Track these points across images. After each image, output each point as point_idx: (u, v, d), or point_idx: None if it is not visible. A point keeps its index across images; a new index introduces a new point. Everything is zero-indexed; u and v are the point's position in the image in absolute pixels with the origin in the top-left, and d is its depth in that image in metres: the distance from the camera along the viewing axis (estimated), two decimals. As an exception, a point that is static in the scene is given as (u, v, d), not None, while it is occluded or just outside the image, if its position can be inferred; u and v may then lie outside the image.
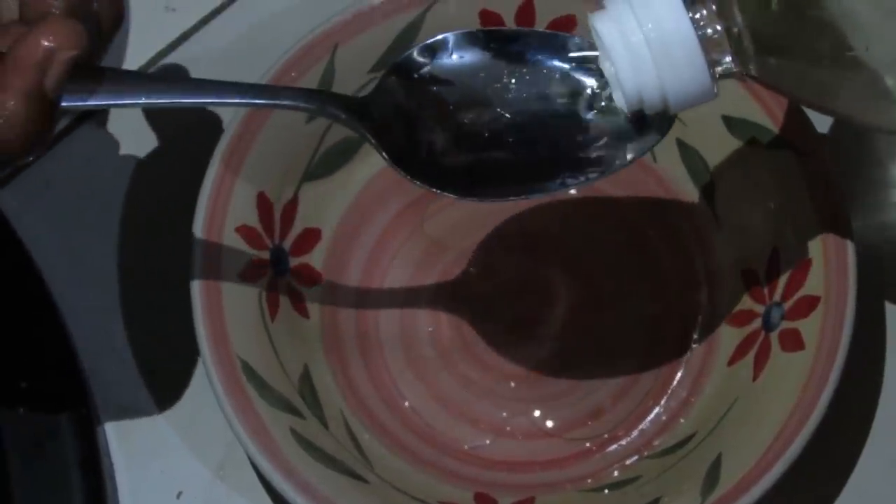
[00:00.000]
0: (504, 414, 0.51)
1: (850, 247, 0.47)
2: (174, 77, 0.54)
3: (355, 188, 0.53)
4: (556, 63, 0.43)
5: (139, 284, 0.53)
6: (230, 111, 0.51)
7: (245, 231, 0.49)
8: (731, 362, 0.50)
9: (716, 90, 0.39)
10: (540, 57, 0.43)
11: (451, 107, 0.43)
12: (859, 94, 0.38)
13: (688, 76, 0.38)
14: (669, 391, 0.51)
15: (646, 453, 0.49)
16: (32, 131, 0.38)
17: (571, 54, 0.42)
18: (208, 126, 0.53)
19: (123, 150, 0.55)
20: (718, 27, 0.38)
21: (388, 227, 0.53)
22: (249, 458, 0.47)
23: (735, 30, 0.38)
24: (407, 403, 0.51)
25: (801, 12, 0.37)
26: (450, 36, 0.43)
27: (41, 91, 0.38)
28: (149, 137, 0.54)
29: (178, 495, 0.51)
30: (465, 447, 0.50)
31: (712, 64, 0.39)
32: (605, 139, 0.42)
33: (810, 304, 0.47)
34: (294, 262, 0.51)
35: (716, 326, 0.51)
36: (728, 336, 0.50)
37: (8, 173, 0.54)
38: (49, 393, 0.50)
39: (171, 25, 0.56)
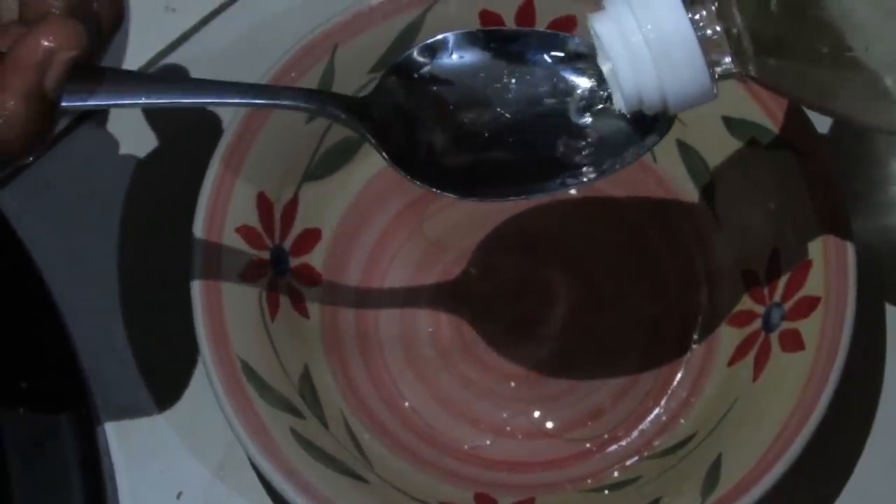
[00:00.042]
0: (504, 414, 0.51)
1: (850, 247, 0.47)
2: (174, 77, 0.54)
3: (355, 188, 0.53)
4: (557, 63, 0.43)
5: (139, 284, 0.53)
6: (230, 111, 0.51)
7: (245, 231, 0.49)
8: (731, 363, 0.50)
9: (715, 91, 0.39)
10: (540, 57, 0.43)
11: (451, 107, 0.43)
12: (859, 95, 0.38)
13: (687, 77, 0.38)
14: (669, 391, 0.51)
15: (646, 454, 0.49)
16: (32, 131, 0.38)
17: (571, 54, 0.42)
18: (208, 126, 0.53)
19: (123, 150, 0.55)
20: (718, 28, 0.38)
21: (388, 227, 0.53)
22: (249, 459, 0.47)
23: (734, 30, 0.38)
24: (407, 403, 0.51)
25: (801, 13, 0.37)
26: (450, 36, 0.43)
27: (41, 91, 0.38)
28: (149, 137, 0.54)
29: (178, 495, 0.51)
30: (465, 447, 0.50)
31: (712, 64, 0.39)
32: (604, 139, 0.42)
33: (810, 304, 0.47)
34: (294, 262, 0.51)
35: (716, 327, 0.51)
36: (728, 336, 0.50)
37: (8, 173, 0.54)
38: (49, 393, 0.50)
39: (171, 25, 0.56)
